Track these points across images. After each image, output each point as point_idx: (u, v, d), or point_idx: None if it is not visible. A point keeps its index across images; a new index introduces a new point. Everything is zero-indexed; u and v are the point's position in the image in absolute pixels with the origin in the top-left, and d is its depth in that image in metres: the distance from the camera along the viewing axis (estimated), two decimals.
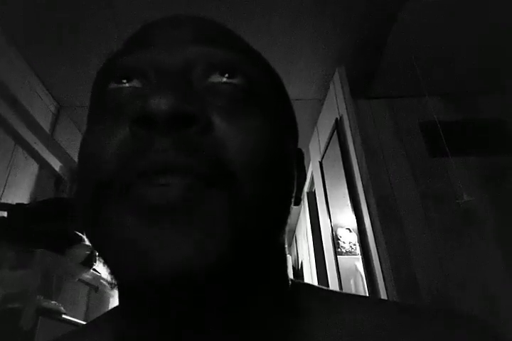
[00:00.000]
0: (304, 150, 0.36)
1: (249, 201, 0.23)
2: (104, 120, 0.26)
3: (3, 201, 1.72)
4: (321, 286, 0.34)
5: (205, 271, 0.21)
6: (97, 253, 0.24)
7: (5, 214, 1.39)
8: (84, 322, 1.19)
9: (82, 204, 0.25)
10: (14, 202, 1.53)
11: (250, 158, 0.24)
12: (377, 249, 1.55)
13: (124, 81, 0.28)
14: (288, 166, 0.29)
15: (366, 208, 1.64)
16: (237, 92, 0.27)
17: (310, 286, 0.33)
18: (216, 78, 0.27)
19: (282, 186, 0.27)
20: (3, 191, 1.78)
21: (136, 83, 0.28)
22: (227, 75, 0.27)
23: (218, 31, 0.32)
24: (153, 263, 0.21)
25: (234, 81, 0.27)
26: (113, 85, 0.28)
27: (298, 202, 0.32)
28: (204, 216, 0.22)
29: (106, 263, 0.24)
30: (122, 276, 0.24)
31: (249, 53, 0.31)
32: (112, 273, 0.24)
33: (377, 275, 1.54)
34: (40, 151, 2.03)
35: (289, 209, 0.29)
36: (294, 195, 0.30)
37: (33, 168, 2.06)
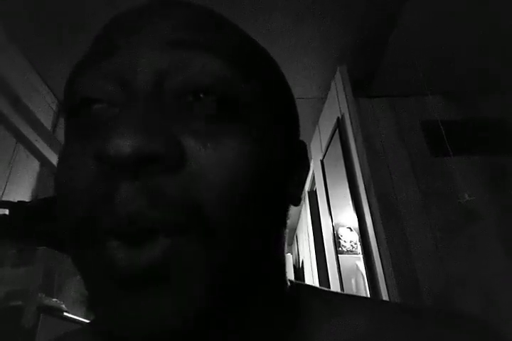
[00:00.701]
0: None
1: (229, 246, 0.21)
2: (73, 146, 0.24)
3: (4, 199, 1.72)
4: (322, 288, 0.34)
5: (190, 328, 0.20)
6: None
7: (6, 211, 1.39)
8: (85, 320, 1.19)
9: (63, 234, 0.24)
10: (15, 200, 1.52)
11: (229, 194, 0.21)
12: (378, 248, 1.55)
13: (89, 102, 0.24)
14: (278, 189, 0.26)
15: (367, 207, 1.64)
16: (217, 112, 0.23)
17: (311, 288, 0.33)
18: (195, 94, 0.23)
19: (270, 217, 0.25)
20: (5, 189, 1.78)
21: (102, 104, 0.24)
22: (209, 92, 0.23)
23: (206, 26, 0.26)
24: (129, 330, 0.20)
25: (214, 98, 0.23)
26: (78, 109, 0.25)
27: (298, 203, 0.31)
28: (179, 278, 0.20)
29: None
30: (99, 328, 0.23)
31: (242, 54, 0.26)
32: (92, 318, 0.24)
33: (379, 275, 1.54)
34: (41, 149, 2.03)
35: (283, 231, 0.27)
36: (287, 213, 0.29)
37: (35, 165, 2.06)
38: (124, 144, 0.19)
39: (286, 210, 0.28)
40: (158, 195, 0.20)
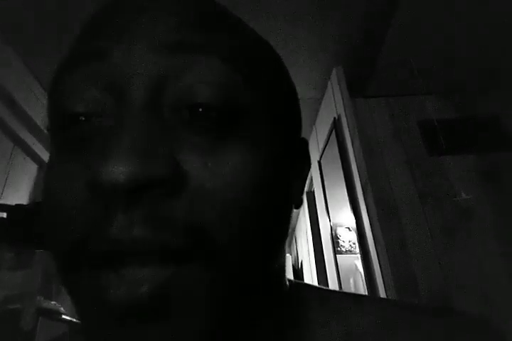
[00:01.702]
0: None
1: (234, 269, 0.20)
2: (63, 161, 0.22)
3: (2, 202, 1.72)
4: (320, 286, 0.34)
5: None
6: None
7: (4, 215, 1.39)
8: None
9: (53, 253, 0.22)
10: (13, 203, 1.52)
11: (234, 214, 0.20)
12: (376, 247, 1.55)
13: (79, 112, 0.21)
14: (283, 198, 0.25)
15: (365, 207, 1.64)
16: (220, 123, 0.21)
17: (309, 286, 0.33)
18: (195, 106, 0.21)
19: (278, 228, 0.24)
20: (2, 192, 1.78)
21: (92, 116, 0.21)
22: (209, 104, 0.21)
23: (208, 24, 0.23)
24: None
25: (217, 109, 0.21)
26: (65, 123, 0.22)
27: (299, 205, 0.29)
28: (179, 313, 0.19)
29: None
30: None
31: (247, 55, 0.24)
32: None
33: (377, 274, 1.54)
34: (38, 152, 2.03)
35: (287, 234, 0.27)
36: (291, 217, 0.27)
37: (32, 168, 2.06)
38: (117, 171, 0.17)
39: (290, 215, 0.27)
40: (159, 219, 0.18)
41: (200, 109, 0.21)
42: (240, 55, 0.23)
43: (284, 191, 0.25)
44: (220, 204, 0.19)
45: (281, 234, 0.25)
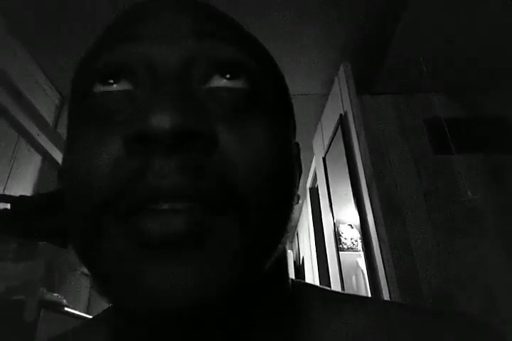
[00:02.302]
0: (307, 145, 0.35)
1: (259, 219, 0.22)
2: (90, 131, 0.23)
3: (6, 193, 1.72)
4: (323, 287, 0.34)
5: (216, 301, 0.20)
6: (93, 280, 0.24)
7: (8, 206, 1.40)
8: (86, 315, 1.20)
9: (75, 232, 0.23)
10: (17, 195, 1.53)
11: (259, 172, 0.22)
12: (379, 245, 1.55)
13: (111, 81, 0.24)
14: (294, 173, 0.28)
15: (369, 204, 1.64)
16: (241, 99, 0.24)
17: (312, 286, 0.33)
18: (218, 81, 0.24)
19: (290, 195, 0.26)
20: (6, 183, 1.79)
21: (125, 85, 0.24)
22: (230, 77, 0.24)
23: (222, 21, 0.28)
24: (159, 298, 0.20)
25: (238, 85, 0.24)
26: (97, 88, 0.24)
27: (297, 200, 0.31)
28: (212, 248, 0.20)
29: (104, 292, 0.23)
30: (123, 307, 0.22)
31: (255, 48, 0.28)
32: (111, 301, 0.23)
33: (379, 272, 1.54)
34: (43, 143, 2.03)
35: (292, 213, 0.28)
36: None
37: (36, 160, 2.06)
38: (166, 120, 0.19)
39: (294, 198, 0.29)
40: (196, 170, 0.20)
41: (226, 81, 0.24)
42: (254, 49, 0.28)
43: (293, 167, 0.27)
44: (247, 165, 0.22)
45: (290, 208, 0.27)
